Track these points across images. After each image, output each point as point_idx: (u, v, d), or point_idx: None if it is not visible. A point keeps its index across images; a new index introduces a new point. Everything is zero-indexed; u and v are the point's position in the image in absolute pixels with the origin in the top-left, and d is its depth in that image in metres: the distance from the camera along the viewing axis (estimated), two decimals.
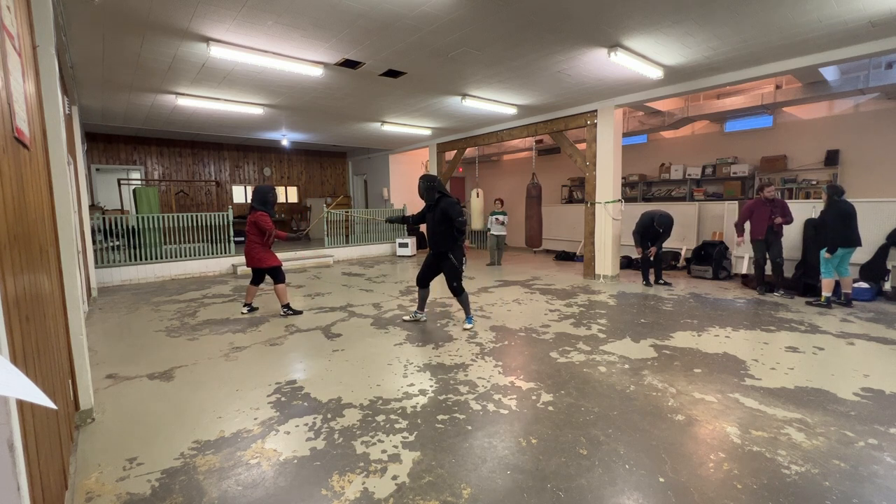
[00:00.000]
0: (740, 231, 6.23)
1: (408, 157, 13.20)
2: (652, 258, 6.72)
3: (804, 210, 6.39)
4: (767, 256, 5.99)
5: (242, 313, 5.25)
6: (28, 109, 1.80)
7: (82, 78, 5.55)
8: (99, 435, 2.50)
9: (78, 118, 6.31)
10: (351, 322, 4.84)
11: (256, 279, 5.23)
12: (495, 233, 8.95)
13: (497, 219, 8.91)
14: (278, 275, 5.06)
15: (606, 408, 2.72)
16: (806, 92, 6.87)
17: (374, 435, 2.43)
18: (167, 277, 8.00)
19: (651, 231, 6.59)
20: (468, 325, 4.53)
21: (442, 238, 4.42)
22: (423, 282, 4.70)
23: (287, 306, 5.12)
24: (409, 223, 4.82)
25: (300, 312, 5.20)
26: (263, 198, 4.96)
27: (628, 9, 3.90)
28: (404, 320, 4.85)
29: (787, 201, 6.19)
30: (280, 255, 7.84)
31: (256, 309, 5.40)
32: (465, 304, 4.57)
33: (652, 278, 6.83)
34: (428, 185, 4.46)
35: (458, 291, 4.49)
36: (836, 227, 5.10)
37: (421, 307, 4.85)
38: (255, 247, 4.95)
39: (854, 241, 5.12)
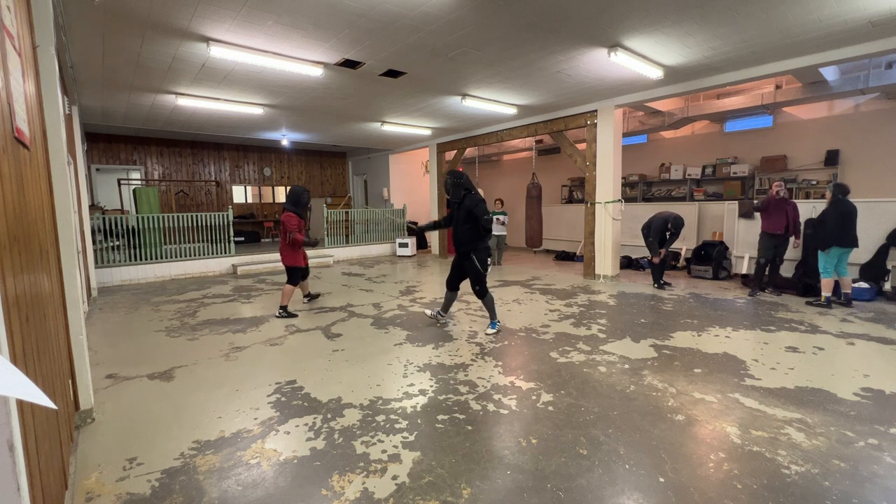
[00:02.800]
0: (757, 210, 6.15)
1: (408, 157, 13.20)
2: (659, 260, 6.64)
3: (804, 210, 6.38)
4: (767, 256, 5.96)
5: (304, 301, 5.80)
6: (28, 109, 1.80)
7: (82, 78, 5.55)
8: (99, 435, 2.50)
9: (78, 118, 6.31)
10: (351, 322, 4.84)
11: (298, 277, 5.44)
12: (496, 233, 8.94)
13: (498, 219, 8.90)
14: (293, 276, 5.19)
15: (606, 408, 2.72)
16: (806, 92, 6.87)
17: (374, 435, 2.43)
18: (167, 277, 8.00)
19: (665, 234, 6.50)
20: (491, 330, 4.30)
21: (465, 237, 4.21)
22: (452, 284, 4.51)
23: (284, 308, 5.13)
24: (441, 227, 4.61)
25: (295, 315, 5.19)
26: (297, 198, 5.12)
27: (628, 9, 3.90)
28: (426, 314, 4.83)
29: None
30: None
31: (318, 296, 6.04)
32: (489, 307, 4.35)
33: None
34: (455, 182, 4.25)
35: (480, 294, 4.28)
36: (835, 225, 5.10)
37: (444, 309, 4.67)
38: (286, 245, 5.13)
39: (851, 241, 5.11)
